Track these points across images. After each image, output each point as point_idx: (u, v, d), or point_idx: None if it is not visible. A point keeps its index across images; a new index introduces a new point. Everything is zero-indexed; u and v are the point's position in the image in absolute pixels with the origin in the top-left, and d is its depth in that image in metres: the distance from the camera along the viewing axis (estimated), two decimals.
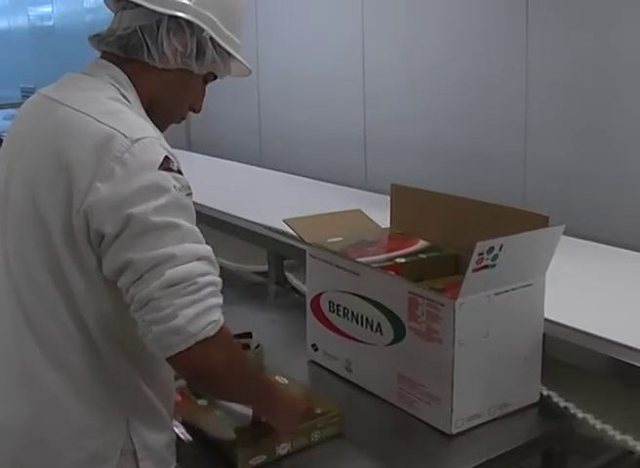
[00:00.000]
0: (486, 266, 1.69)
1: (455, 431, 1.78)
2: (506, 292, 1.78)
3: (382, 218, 2.28)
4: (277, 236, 2.85)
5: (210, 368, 1.38)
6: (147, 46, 1.48)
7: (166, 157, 1.37)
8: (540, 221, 1.81)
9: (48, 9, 8.43)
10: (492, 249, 1.67)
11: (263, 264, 3.08)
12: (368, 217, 2.30)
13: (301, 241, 2.17)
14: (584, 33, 2.84)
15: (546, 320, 1.91)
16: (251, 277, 3.21)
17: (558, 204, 2.93)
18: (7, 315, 1.46)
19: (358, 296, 1.98)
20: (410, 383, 1.87)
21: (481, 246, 1.64)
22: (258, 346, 2.15)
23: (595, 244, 2.66)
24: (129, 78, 1.50)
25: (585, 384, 1.94)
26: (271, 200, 3.56)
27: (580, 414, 1.88)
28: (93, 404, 1.44)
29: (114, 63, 1.51)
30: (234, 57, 1.59)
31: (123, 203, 1.32)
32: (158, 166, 1.35)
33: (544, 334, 1.90)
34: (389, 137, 3.82)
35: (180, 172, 1.39)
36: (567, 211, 2.87)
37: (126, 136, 1.35)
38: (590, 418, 1.86)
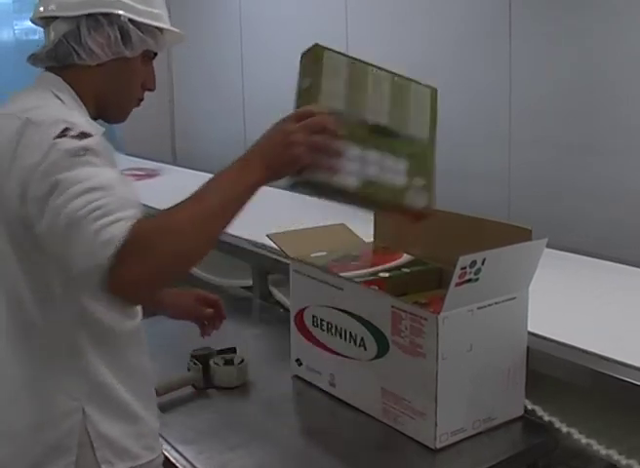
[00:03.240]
0: (469, 280, 1.69)
1: (439, 445, 1.78)
2: (489, 305, 1.78)
3: (367, 232, 2.28)
4: (261, 251, 2.84)
5: (145, 277, 1.21)
6: (75, 50, 1.54)
7: (65, 128, 1.36)
8: (523, 234, 1.81)
9: None
10: (474, 263, 1.67)
11: (248, 279, 3.07)
12: (351, 232, 2.30)
13: (285, 256, 2.16)
14: (568, 46, 2.85)
15: (530, 333, 1.91)
16: (235, 292, 3.19)
17: (542, 216, 2.93)
18: None
19: (342, 311, 1.97)
20: (394, 398, 1.86)
21: (463, 260, 1.64)
22: (242, 361, 2.15)
23: (579, 256, 2.66)
24: (70, 83, 1.55)
25: (570, 397, 1.93)
26: (256, 214, 3.53)
27: (564, 429, 1.87)
28: (45, 396, 1.46)
29: (54, 73, 1.57)
30: (160, 27, 1.62)
31: (29, 171, 1.33)
32: (54, 137, 1.34)
33: (528, 348, 1.90)
34: None
35: (84, 135, 1.36)
36: (551, 223, 2.88)
37: (34, 122, 1.38)
38: (575, 433, 1.85)
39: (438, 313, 1.71)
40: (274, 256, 2.67)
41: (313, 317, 2.07)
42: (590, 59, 2.79)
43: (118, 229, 1.20)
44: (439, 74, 3.45)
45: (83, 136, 1.36)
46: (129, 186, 1.34)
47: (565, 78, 2.89)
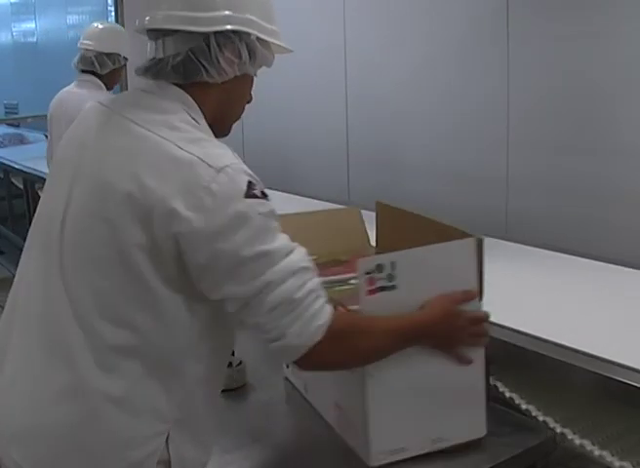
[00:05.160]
0: (383, 288, 1.57)
1: (375, 464, 1.68)
2: None
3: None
4: None
5: (329, 364, 1.52)
6: (204, 67, 1.49)
7: (249, 183, 1.39)
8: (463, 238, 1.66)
9: (31, 25, 8.43)
10: (381, 267, 1.56)
11: None
12: (361, 222, 2.19)
13: None
14: (566, 49, 2.86)
15: (529, 335, 1.90)
16: None
17: (540, 219, 2.94)
18: (64, 318, 1.43)
19: None
20: (340, 411, 1.81)
21: (364, 263, 1.54)
22: (240, 363, 2.14)
23: (577, 258, 2.65)
24: (195, 101, 1.51)
25: (568, 399, 1.93)
26: None
27: (570, 437, 1.86)
28: (137, 416, 1.43)
29: (177, 86, 1.51)
30: (277, 43, 1.60)
31: (214, 236, 1.35)
32: (244, 194, 1.37)
33: (525, 349, 1.88)
34: (372, 154, 3.82)
35: (264, 195, 1.41)
36: (549, 225, 2.89)
37: (210, 166, 1.36)
38: (576, 438, 1.84)
39: None
40: None
41: None
42: (588, 62, 2.79)
43: (327, 315, 1.42)
44: (437, 77, 3.46)
45: (264, 195, 1.41)
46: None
47: (563, 80, 2.89)
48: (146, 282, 1.38)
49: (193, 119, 1.48)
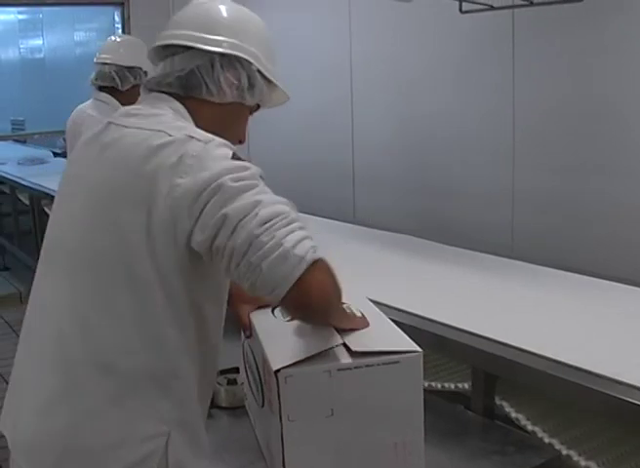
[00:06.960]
0: None
1: None
2: (356, 368, 1.52)
3: (369, 252, 2.26)
4: None
5: (325, 292, 1.38)
6: (206, 83, 1.57)
7: (234, 153, 1.44)
8: None
9: (39, 42, 8.49)
10: None
11: None
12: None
13: None
14: (570, 68, 2.87)
15: (534, 354, 1.90)
16: None
17: (546, 236, 2.93)
18: (54, 319, 1.48)
19: (251, 352, 1.81)
20: (267, 451, 1.73)
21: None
22: (243, 383, 2.14)
23: (582, 276, 2.64)
24: (190, 113, 1.58)
25: (574, 418, 1.93)
26: None
27: (575, 458, 1.85)
28: (132, 416, 1.44)
29: (174, 98, 1.59)
30: (275, 85, 1.67)
31: (205, 183, 1.37)
32: (230, 157, 1.42)
33: (533, 368, 1.88)
34: (377, 172, 3.83)
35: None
36: (554, 243, 2.89)
37: (199, 140, 1.43)
38: (582, 460, 1.83)
39: (278, 370, 1.50)
40: None
41: (245, 352, 1.90)
42: (593, 81, 2.80)
43: (314, 242, 1.39)
44: (443, 95, 3.47)
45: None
46: None
47: (568, 99, 2.89)
48: (142, 279, 1.42)
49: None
